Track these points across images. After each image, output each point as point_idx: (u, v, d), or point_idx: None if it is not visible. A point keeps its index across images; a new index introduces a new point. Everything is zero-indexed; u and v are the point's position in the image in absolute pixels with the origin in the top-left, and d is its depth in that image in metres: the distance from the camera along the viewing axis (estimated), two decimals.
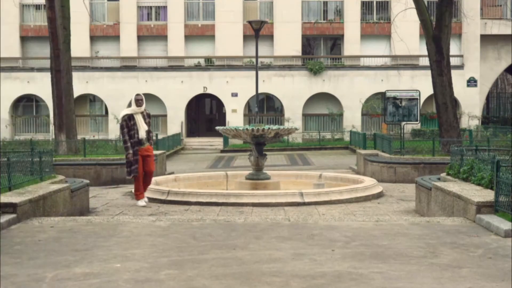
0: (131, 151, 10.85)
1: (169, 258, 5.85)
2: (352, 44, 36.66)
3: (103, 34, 36.89)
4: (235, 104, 36.25)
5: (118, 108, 35.42)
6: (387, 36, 36.37)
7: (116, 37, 36.89)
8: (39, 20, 36.50)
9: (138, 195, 11.26)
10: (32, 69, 36.10)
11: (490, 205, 7.62)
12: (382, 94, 33.77)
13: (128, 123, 10.91)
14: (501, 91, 45.40)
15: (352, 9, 36.36)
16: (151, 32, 37.04)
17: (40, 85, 34.56)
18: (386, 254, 5.94)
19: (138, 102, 11.03)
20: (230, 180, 14.97)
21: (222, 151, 32.40)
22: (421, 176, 12.53)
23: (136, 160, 10.92)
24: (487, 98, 40.21)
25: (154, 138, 11.50)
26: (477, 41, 36.09)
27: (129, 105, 11.64)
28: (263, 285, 4.91)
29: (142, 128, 10.97)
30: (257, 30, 21.53)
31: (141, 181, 11.15)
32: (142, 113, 11.13)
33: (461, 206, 8.16)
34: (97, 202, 12.35)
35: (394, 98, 21.73)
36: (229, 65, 36.40)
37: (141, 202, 11.22)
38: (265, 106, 37.66)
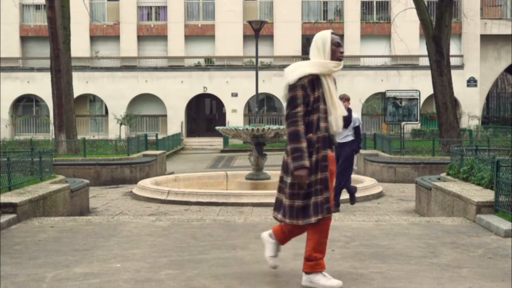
0: (306, 162, 4.62)
1: (169, 258, 5.85)
2: (352, 44, 36.66)
3: (103, 34, 36.90)
4: (235, 104, 36.25)
5: (119, 108, 35.49)
6: (387, 36, 36.37)
7: (116, 37, 36.90)
8: (39, 20, 36.51)
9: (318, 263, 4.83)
10: (32, 69, 36.11)
11: (490, 205, 7.62)
12: (382, 94, 33.74)
13: (308, 94, 4.74)
14: (501, 91, 45.41)
15: (352, 9, 36.38)
16: (151, 32, 37.04)
17: (40, 85, 34.57)
18: (386, 254, 5.94)
19: (339, 49, 4.84)
20: (230, 180, 14.98)
21: (222, 151, 32.41)
22: (421, 176, 12.53)
23: (321, 183, 4.73)
24: (487, 98, 40.22)
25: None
26: (477, 41, 36.10)
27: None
28: (263, 285, 4.91)
29: (340, 110, 4.90)
30: (257, 30, 21.55)
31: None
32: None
33: (461, 206, 8.16)
34: (97, 202, 12.36)
35: (394, 98, 21.74)
36: (229, 65, 36.41)
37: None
38: (265, 106, 37.66)
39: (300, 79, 4.70)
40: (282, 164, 4.86)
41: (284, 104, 4.83)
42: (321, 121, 4.74)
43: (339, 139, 10.15)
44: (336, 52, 4.82)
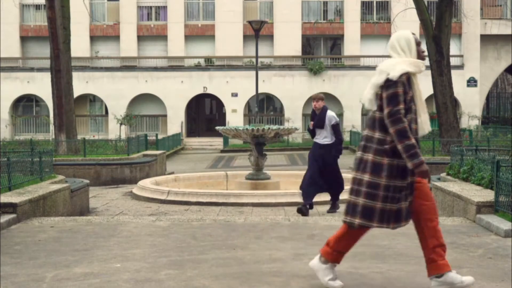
0: (422, 157, 4.49)
1: (169, 258, 5.85)
2: (352, 44, 36.67)
3: (103, 34, 36.89)
4: (235, 104, 36.25)
5: (119, 108, 35.48)
6: (387, 36, 36.31)
7: (116, 37, 36.89)
8: (39, 20, 36.50)
9: None
10: (32, 69, 36.11)
11: (490, 205, 7.62)
12: None
13: (406, 91, 4.59)
14: (501, 91, 45.40)
15: (352, 9, 36.37)
16: (151, 32, 37.04)
17: (40, 85, 34.56)
18: (386, 254, 5.94)
19: (421, 49, 4.81)
20: (230, 180, 14.98)
21: (222, 151, 32.41)
22: None
23: (411, 187, 4.64)
24: (487, 98, 40.21)
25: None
26: (477, 41, 36.09)
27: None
28: (263, 285, 4.91)
29: (427, 113, 4.83)
30: (257, 30, 21.54)
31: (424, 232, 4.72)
32: None
33: (461, 206, 8.16)
34: (97, 202, 12.35)
35: None
36: (229, 65, 36.41)
37: None
38: (265, 106, 37.66)
39: (401, 75, 4.53)
40: (367, 165, 4.57)
41: (367, 104, 4.67)
42: (412, 123, 4.59)
43: (319, 140, 9.99)
44: (420, 51, 4.73)
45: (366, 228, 4.67)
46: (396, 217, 4.56)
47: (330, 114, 9.96)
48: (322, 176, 9.95)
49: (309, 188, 9.94)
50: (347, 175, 15.72)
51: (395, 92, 4.50)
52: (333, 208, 10.44)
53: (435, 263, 4.64)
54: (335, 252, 4.70)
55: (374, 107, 4.65)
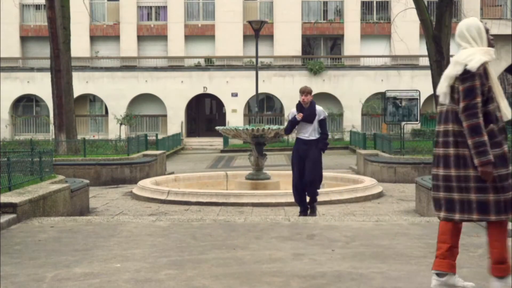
0: (491, 156, 4.37)
1: (169, 258, 5.85)
2: (352, 44, 36.68)
3: (103, 34, 36.92)
4: (235, 104, 36.26)
5: (119, 108, 35.49)
6: (387, 36, 36.38)
7: (116, 37, 36.91)
8: (39, 20, 36.53)
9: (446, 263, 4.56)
10: (32, 69, 36.12)
11: None
12: (382, 94, 33.69)
13: (483, 83, 4.48)
14: None
15: (352, 9, 36.40)
16: (151, 32, 37.06)
17: (40, 85, 34.58)
18: (386, 254, 5.94)
19: (490, 36, 4.68)
20: (230, 180, 14.98)
21: (222, 151, 32.41)
22: (421, 176, 12.52)
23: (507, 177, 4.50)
24: None
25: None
26: None
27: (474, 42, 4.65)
28: (263, 285, 4.91)
29: (505, 99, 4.69)
30: (257, 30, 21.53)
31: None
32: None
33: None
34: (97, 202, 12.35)
35: (394, 98, 21.74)
36: (229, 65, 36.42)
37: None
38: (265, 106, 37.67)
39: (479, 67, 4.42)
40: (467, 161, 4.44)
41: (441, 97, 4.59)
42: (496, 111, 4.50)
43: (304, 136, 9.66)
44: (489, 39, 4.62)
45: (500, 223, 4.47)
46: None
47: (320, 108, 9.68)
48: (303, 176, 9.68)
49: (296, 196, 9.87)
50: (347, 175, 15.77)
51: (473, 85, 4.40)
52: (312, 211, 10.00)
53: (445, 260, 4.56)
54: (505, 265, 4.46)
55: (446, 101, 4.56)
